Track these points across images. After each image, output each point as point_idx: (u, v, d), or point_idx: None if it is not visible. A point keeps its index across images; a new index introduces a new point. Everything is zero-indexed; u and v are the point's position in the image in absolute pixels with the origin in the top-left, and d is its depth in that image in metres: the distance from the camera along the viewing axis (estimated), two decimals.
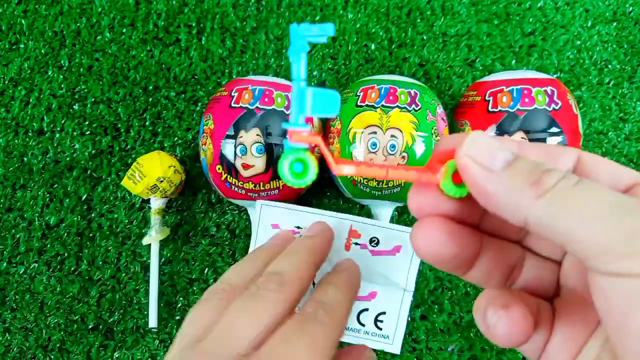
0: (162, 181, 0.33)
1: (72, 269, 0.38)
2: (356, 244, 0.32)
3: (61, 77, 0.41)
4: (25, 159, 0.40)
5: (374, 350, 0.31)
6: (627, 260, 0.13)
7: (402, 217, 0.38)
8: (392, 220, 0.38)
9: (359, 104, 0.33)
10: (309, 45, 0.18)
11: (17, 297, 0.37)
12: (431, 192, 0.18)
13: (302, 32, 0.18)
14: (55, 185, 0.39)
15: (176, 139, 0.40)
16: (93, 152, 0.39)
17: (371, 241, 0.32)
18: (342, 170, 0.19)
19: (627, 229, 0.13)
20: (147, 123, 0.40)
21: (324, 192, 0.39)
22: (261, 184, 0.33)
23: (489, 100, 0.33)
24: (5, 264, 0.38)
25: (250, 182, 0.33)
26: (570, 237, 0.14)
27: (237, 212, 0.39)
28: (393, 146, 0.31)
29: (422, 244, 0.17)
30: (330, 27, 0.17)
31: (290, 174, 0.20)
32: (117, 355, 0.36)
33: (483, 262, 0.18)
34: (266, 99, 0.33)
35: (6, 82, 0.41)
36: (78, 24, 0.42)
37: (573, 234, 0.13)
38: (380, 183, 0.32)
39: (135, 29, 0.42)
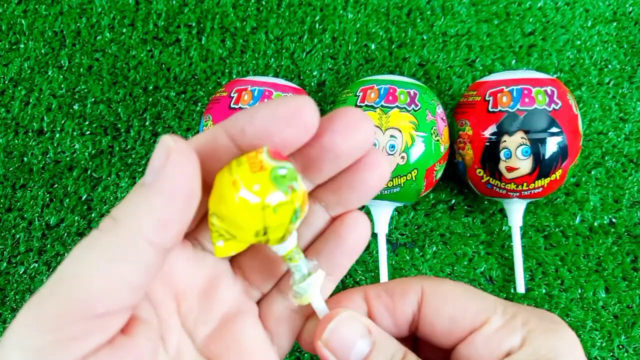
0: (265, 233, 0.16)
1: None
2: None
3: (61, 77, 0.42)
4: (25, 159, 0.40)
5: None
6: None
7: (402, 217, 0.39)
8: (391, 221, 0.38)
9: (358, 104, 0.33)
10: None
11: (17, 297, 0.38)
12: None
13: None
14: (55, 185, 0.40)
15: None
16: (93, 152, 0.40)
17: None
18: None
19: None
20: (147, 123, 0.41)
21: None
22: None
23: (489, 100, 0.33)
24: (5, 264, 0.39)
25: None
26: None
27: None
28: (392, 146, 0.32)
29: None
30: None
31: None
32: None
33: None
34: (265, 100, 0.33)
35: (6, 82, 0.42)
36: (78, 24, 0.42)
37: None
38: None
39: (135, 29, 0.42)
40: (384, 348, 0.17)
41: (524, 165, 0.32)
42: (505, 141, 0.32)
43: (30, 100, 0.41)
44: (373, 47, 0.42)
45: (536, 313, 0.16)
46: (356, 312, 0.18)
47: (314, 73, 0.41)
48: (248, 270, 0.20)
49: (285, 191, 0.15)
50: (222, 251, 0.16)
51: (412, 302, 0.18)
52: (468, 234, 0.38)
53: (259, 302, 0.20)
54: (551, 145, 0.32)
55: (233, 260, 0.20)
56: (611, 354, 0.35)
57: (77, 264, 0.13)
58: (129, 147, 0.40)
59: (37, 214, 0.39)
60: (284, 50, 0.42)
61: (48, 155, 0.40)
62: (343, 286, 0.38)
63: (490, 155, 0.33)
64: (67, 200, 0.39)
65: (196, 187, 0.14)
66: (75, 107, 0.41)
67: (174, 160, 0.14)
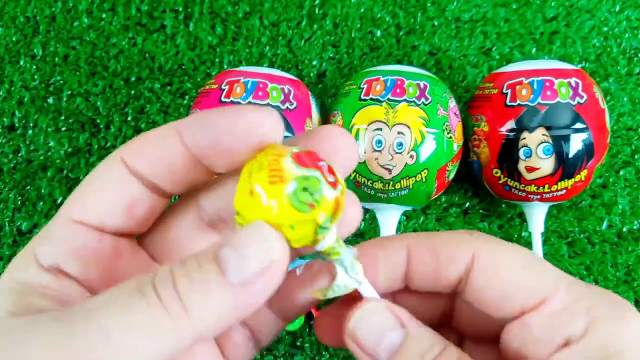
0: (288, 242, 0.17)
1: None
2: None
3: (34, 67, 0.41)
4: None
5: None
6: None
7: (410, 222, 0.38)
8: (399, 226, 0.38)
9: (362, 97, 0.33)
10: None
11: None
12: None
13: None
14: (28, 187, 0.39)
15: None
16: (69, 150, 0.40)
17: None
18: None
19: None
20: (129, 118, 0.40)
21: None
22: None
23: (507, 93, 0.33)
24: None
25: None
26: None
27: None
28: (400, 144, 0.32)
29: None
30: None
31: None
32: None
33: None
34: (260, 93, 0.32)
35: None
36: (53, 9, 0.42)
37: None
38: (386, 185, 0.32)
39: (116, 14, 0.42)
40: (419, 341, 0.16)
41: (546, 165, 0.32)
42: (524, 138, 0.32)
43: (0, 93, 0.41)
44: (379, 33, 0.41)
45: (606, 297, 0.16)
46: (386, 301, 0.17)
47: (314, 63, 0.41)
48: None
49: (303, 209, 0.15)
50: None
51: (460, 269, 0.17)
52: None
53: None
54: (575, 143, 0.31)
55: None
56: None
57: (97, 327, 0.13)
58: (108, 144, 0.40)
59: (7, 219, 0.39)
60: (280, 38, 0.41)
61: (20, 154, 0.40)
62: None
63: (508, 153, 0.32)
64: (41, 203, 0.39)
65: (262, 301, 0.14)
66: (50, 100, 0.41)
67: (271, 276, 0.14)
